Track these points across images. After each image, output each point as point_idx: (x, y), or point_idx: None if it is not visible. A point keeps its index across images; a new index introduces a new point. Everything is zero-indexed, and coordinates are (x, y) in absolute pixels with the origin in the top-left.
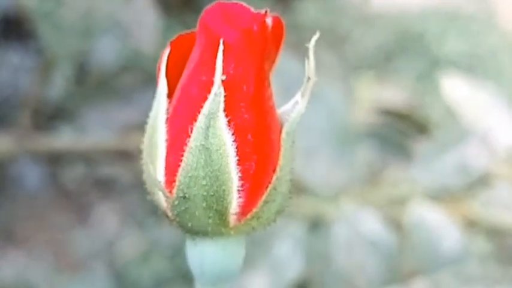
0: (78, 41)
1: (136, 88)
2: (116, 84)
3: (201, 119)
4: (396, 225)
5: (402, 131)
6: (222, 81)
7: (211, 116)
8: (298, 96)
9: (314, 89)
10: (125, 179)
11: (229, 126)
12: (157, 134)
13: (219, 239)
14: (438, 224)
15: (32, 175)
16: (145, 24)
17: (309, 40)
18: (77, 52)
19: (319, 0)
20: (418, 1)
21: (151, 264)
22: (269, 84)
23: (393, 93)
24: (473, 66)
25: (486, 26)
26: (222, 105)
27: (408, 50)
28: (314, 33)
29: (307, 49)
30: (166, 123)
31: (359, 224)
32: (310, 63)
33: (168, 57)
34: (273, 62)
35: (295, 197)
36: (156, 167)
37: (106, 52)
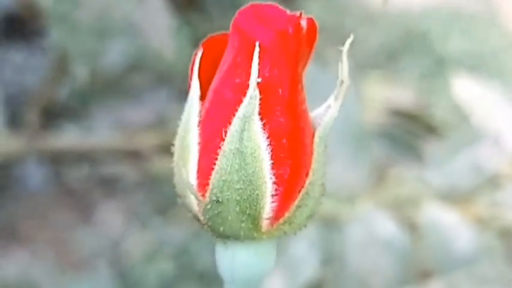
0: (93, 42)
1: (145, 88)
2: (125, 84)
3: (236, 122)
4: (409, 225)
5: (411, 131)
6: (257, 83)
7: (246, 120)
8: (331, 100)
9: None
10: (129, 177)
11: (264, 129)
12: (190, 136)
13: (250, 243)
14: (451, 225)
15: (35, 174)
16: (158, 24)
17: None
18: (92, 53)
19: None
20: (419, 1)
21: (156, 264)
22: (302, 88)
23: (400, 93)
24: (476, 66)
25: (488, 25)
26: (257, 109)
27: (412, 49)
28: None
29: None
30: (198, 126)
31: (373, 225)
32: (344, 66)
33: (199, 59)
34: (306, 64)
35: None
36: (188, 170)
37: (117, 52)
